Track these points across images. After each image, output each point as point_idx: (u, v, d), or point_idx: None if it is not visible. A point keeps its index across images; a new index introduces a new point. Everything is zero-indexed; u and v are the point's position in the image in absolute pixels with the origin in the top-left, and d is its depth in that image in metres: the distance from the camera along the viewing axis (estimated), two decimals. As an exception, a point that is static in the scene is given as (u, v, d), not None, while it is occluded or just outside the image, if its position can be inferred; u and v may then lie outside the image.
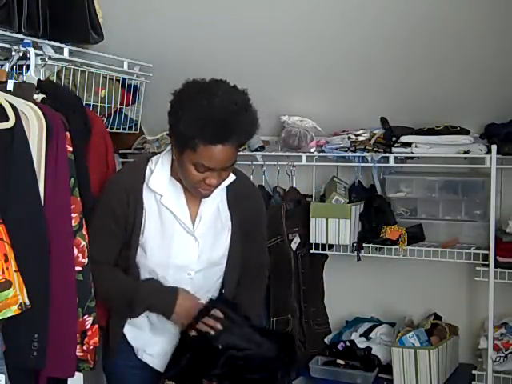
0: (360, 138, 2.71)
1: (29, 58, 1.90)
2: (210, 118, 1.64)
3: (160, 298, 1.84)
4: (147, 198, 1.86)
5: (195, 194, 1.83)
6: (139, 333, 1.92)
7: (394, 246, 2.66)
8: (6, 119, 1.56)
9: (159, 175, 1.86)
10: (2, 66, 1.91)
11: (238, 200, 1.94)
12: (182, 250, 1.87)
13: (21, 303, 1.45)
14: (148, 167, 1.88)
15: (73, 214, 1.71)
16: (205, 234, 1.88)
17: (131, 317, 1.89)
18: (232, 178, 1.87)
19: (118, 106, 2.48)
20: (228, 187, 1.90)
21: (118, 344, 1.93)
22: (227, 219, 1.93)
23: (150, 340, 1.92)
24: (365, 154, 2.69)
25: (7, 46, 1.91)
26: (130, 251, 1.87)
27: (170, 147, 1.86)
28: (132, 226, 1.85)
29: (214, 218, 1.91)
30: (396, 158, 2.68)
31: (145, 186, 1.86)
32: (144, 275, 1.88)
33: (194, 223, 1.87)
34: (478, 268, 2.55)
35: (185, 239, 1.87)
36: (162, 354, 1.89)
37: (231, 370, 1.73)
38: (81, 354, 1.76)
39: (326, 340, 2.88)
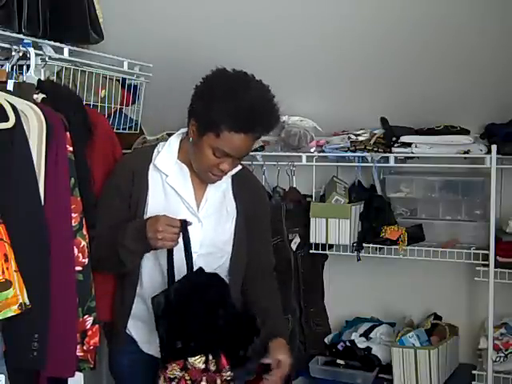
0: (360, 138, 2.71)
1: (29, 58, 1.90)
2: (245, 107, 1.72)
3: (133, 228, 1.79)
4: (153, 178, 1.90)
5: (204, 178, 1.87)
6: (141, 325, 1.92)
7: (393, 246, 2.67)
8: (6, 119, 1.56)
9: (166, 156, 1.91)
10: (2, 66, 1.91)
11: (243, 192, 1.98)
12: None
13: (21, 303, 1.45)
14: (156, 150, 1.94)
15: (73, 214, 1.71)
16: (209, 217, 1.91)
17: (121, 268, 1.84)
18: (238, 167, 1.94)
19: (118, 106, 2.48)
20: (233, 178, 1.96)
21: (123, 344, 1.94)
22: (232, 207, 1.96)
23: (153, 330, 1.91)
24: (365, 154, 2.69)
25: (7, 45, 1.91)
26: None
27: (179, 131, 1.94)
28: (136, 204, 1.88)
29: (220, 203, 1.94)
30: (396, 158, 2.68)
31: (151, 166, 1.91)
32: (148, 256, 1.87)
33: (199, 205, 1.90)
34: (478, 268, 2.55)
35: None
36: None
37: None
38: (81, 354, 1.75)
39: (326, 340, 2.88)
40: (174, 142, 1.93)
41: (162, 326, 1.74)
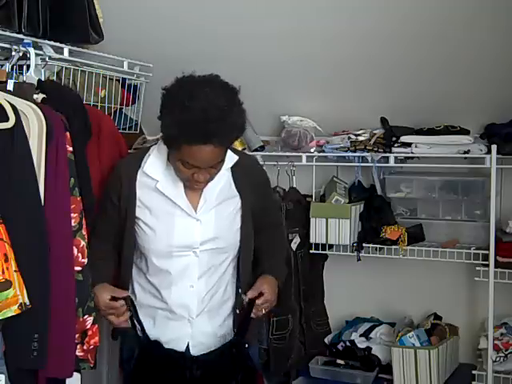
0: (360, 138, 2.71)
1: (29, 58, 1.90)
2: (190, 120, 1.66)
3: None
4: (143, 184, 1.89)
5: (189, 187, 1.86)
6: (148, 325, 1.93)
7: (393, 246, 2.67)
8: (6, 119, 1.56)
9: (155, 161, 1.89)
10: (2, 66, 1.91)
11: (244, 177, 1.96)
12: (185, 232, 1.88)
13: (21, 303, 1.45)
14: (148, 154, 1.93)
15: (73, 214, 1.71)
16: (208, 213, 1.90)
17: None
18: (234, 159, 1.91)
19: (118, 106, 2.48)
20: (232, 168, 1.93)
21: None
22: (236, 198, 1.95)
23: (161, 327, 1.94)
24: (365, 154, 2.69)
25: (7, 45, 1.91)
26: (124, 238, 1.91)
27: None
28: (125, 212, 1.89)
29: (220, 199, 1.92)
30: (396, 158, 2.68)
31: (140, 171, 1.89)
32: (151, 261, 1.89)
33: (196, 206, 1.89)
34: (478, 268, 2.55)
35: (186, 221, 1.88)
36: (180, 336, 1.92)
37: None
38: (81, 353, 1.76)
39: (326, 340, 2.89)
40: (163, 146, 1.88)
41: None
